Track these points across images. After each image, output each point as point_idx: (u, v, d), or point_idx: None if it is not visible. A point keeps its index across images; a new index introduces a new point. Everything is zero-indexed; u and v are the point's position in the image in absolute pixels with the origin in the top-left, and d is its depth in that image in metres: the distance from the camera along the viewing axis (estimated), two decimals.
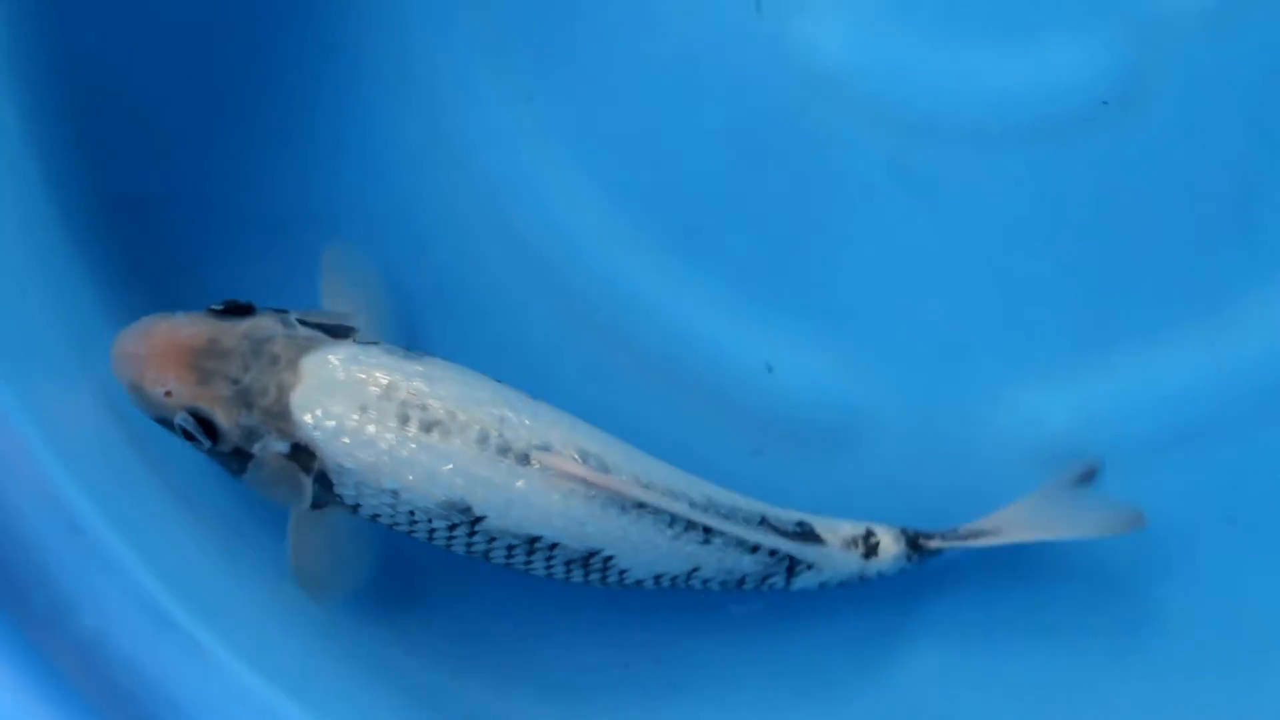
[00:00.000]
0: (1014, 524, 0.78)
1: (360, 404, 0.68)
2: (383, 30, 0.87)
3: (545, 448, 0.69)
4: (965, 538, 0.78)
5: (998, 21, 0.88)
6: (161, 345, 0.68)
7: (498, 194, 0.87)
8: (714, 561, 0.73)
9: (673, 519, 0.71)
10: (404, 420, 0.68)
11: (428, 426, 0.68)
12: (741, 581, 0.75)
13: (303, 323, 0.71)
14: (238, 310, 0.70)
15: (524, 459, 0.69)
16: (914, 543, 0.78)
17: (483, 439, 0.69)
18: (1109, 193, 0.88)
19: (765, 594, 0.77)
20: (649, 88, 0.88)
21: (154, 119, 0.84)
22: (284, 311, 0.71)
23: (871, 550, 0.77)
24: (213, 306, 0.70)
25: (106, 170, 0.81)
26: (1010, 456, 0.85)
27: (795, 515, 0.76)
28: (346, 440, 0.68)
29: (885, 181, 0.87)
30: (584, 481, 0.70)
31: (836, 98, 0.87)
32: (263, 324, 0.70)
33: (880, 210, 0.87)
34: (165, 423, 0.69)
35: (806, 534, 0.75)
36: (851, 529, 0.77)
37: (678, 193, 0.87)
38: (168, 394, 0.68)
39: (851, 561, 0.76)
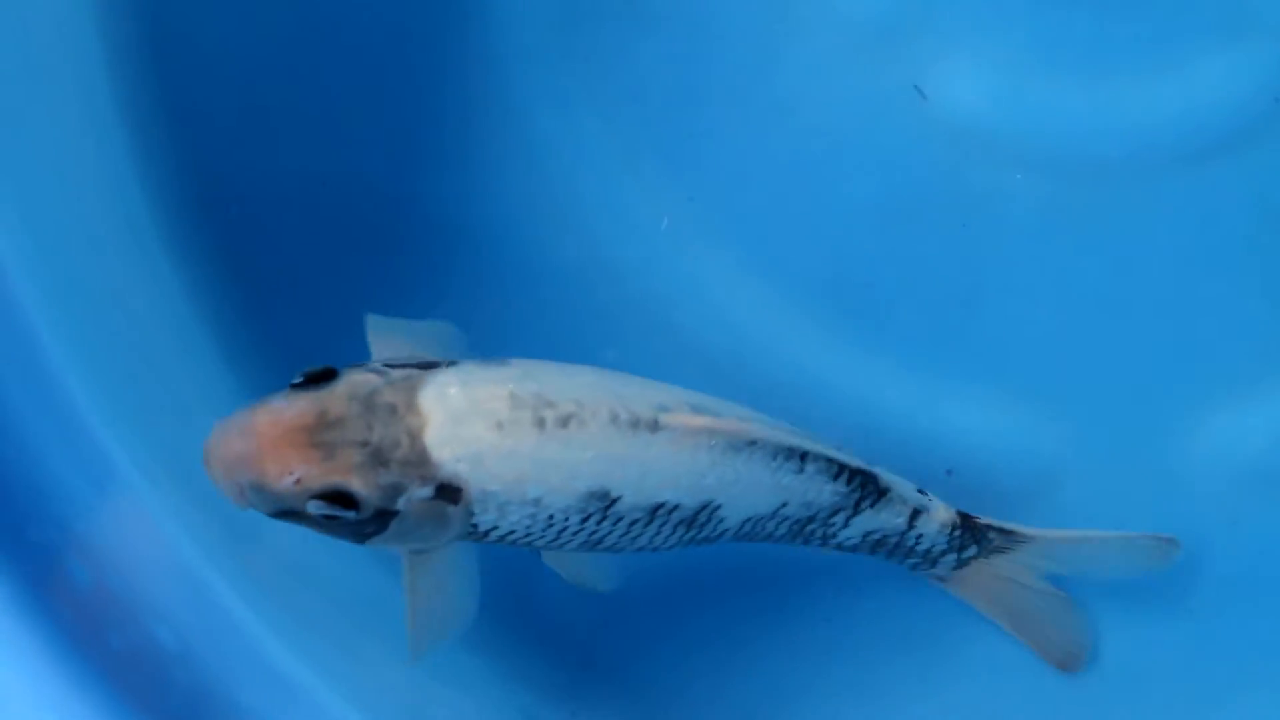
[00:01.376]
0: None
1: (496, 421, 0.65)
2: (515, 135, 0.87)
3: (665, 408, 0.68)
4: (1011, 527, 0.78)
5: (1140, 49, 0.86)
6: (272, 433, 0.63)
7: (653, 289, 0.86)
8: (800, 493, 0.72)
9: (776, 451, 0.70)
10: (540, 424, 0.65)
11: (564, 421, 0.66)
12: (811, 520, 0.73)
13: (391, 366, 0.67)
14: (322, 377, 0.66)
15: (654, 425, 0.67)
16: (964, 517, 0.78)
17: (614, 418, 0.67)
18: (1273, 201, 0.86)
19: (815, 544, 0.75)
20: (793, 168, 0.87)
21: (266, 193, 0.83)
22: (365, 363, 0.67)
23: (920, 511, 0.76)
24: (294, 382, 0.65)
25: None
26: (1215, 487, 0.83)
27: (859, 458, 0.75)
28: (490, 462, 0.65)
29: (1048, 226, 0.86)
30: (709, 431, 0.68)
31: (988, 149, 0.86)
32: (358, 380, 0.65)
33: (1047, 256, 0.86)
34: (293, 515, 0.65)
35: (871, 470, 0.75)
36: (907, 487, 0.76)
37: (836, 270, 0.86)
38: (297, 482, 0.64)
39: (909, 502, 0.76)
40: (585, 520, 0.68)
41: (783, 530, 0.73)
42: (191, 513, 0.69)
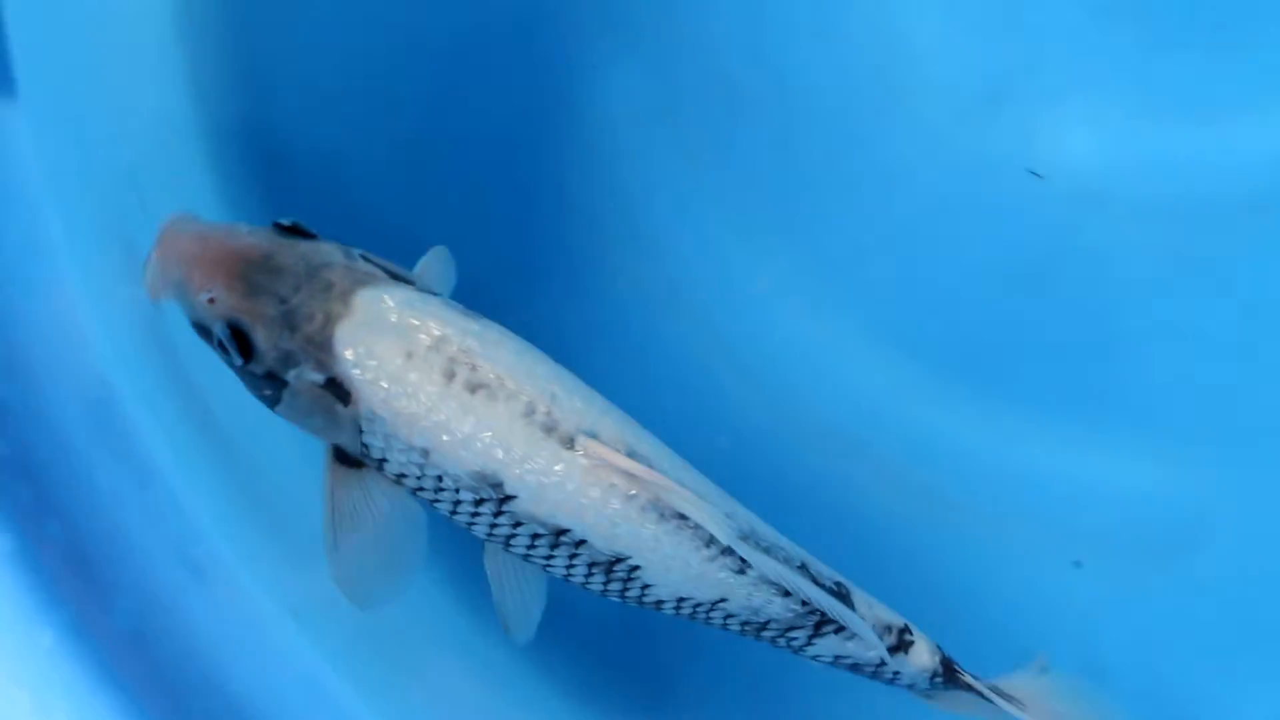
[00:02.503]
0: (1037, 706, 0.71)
1: (407, 350, 0.63)
2: (624, 224, 0.87)
3: (593, 435, 0.63)
4: (994, 691, 0.71)
5: (1252, 86, 0.85)
6: (215, 249, 0.64)
7: (771, 365, 0.86)
8: (742, 596, 0.67)
9: (711, 540, 0.65)
10: (449, 376, 0.63)
11: (473, 388, 0.63)
12: (764, 626, 0.68)
13: (366, 259, 0.66)
14: (303, 233, 0.65)
15: (569, 442, 0.63)
16: (948, 666, 0.71)
17: (529, 412, 0.63)
18: None
19: (782, 649, 0.70)
20: (908, 236, 0.87)
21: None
22: (350, 247, 0.66)
23: (902, 647, 0.70)
24: (280, 222, 0.66)
25: None
26: None
27: (836, 576, 0.69)
28: (385, 385, 0.63)
29: (1173, 274, 0.85)
30: (627, 477, 0.63)
31: (1104, 203, 0.85)
32: (324, 250, 0.65)
33: (1175, 303, 0.85)
34: (202, 329, 0.65)
35: (843, 596, 0.69)
36: (890, 616, 0.70)
37: (960, 334, 0.85)
38: (211, 300, 0.64)
39: (877, 646, 0.69)
40: (479, 504, 0.65)
41: (737, 627, 0.69)
42: None
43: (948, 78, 0.87)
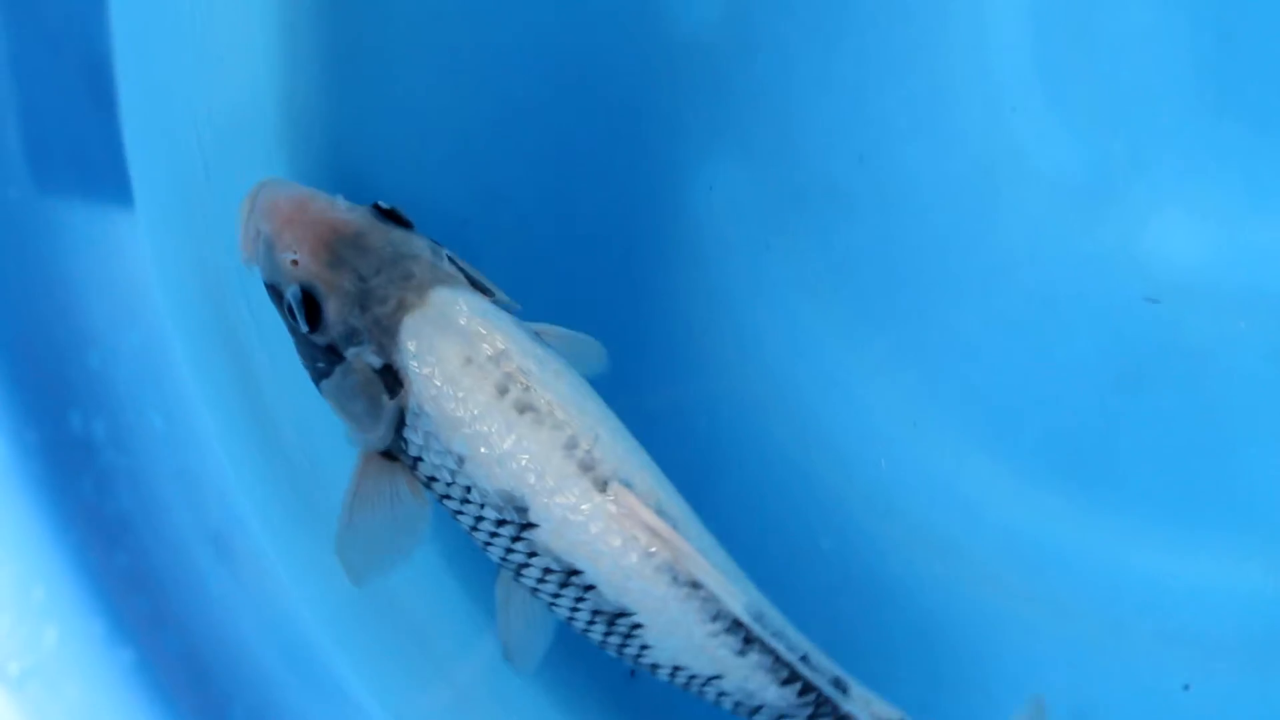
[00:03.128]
0: None
1: (467, 355, 0.63)
2: (726, 324, 0.87)
3: (628, 484, 0.64)
4: None
5: None
6: (310, 215, 0.65)
7: (874, 468, 0.86)
8: (739, 677, 0.66)
9: (719, 614, 0.65)
10: (502, 391, 0.63)
11: (522, 408, 0.63)
12: (757, 710, 0.68)
13: (452, 260, 0.67)
14: (400, 220, 0.67)
15: (602, 485, 0.63)
16: None
17: (570, 445, 0.63)
18: None
19: None
20: (1014, 333, 0.86)
21: None
22: (440, 245, 0.67)
23: None
24: (379, 204, 0.67)
25: None
26: None
27: (836, 670, 0.68)
28: (438, 383, 0.63)
29: (1274, 369, 0.84)
30: (650, 533, 0.63)
31: (1210, 300, 0.85)
32: (414, 241, 0.66)
33: (1277, 399, 0.84)
34: (275, 291, 0.66)
35: (841, 688, 0.67)
36: (887, 710, 0.68)
37: (1068, 432, 0.85)
38: (294, 263, 0.65)
39: None
40: (500, 525, 0.65)
41: (729, 706, 0.68)
42: None
43: (1052, 172, 0.86)
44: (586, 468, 0.64)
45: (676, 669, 0.67)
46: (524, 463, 0.63)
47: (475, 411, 0.63)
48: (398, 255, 0.65)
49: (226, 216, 0.77)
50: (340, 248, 0.65)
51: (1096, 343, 0.85)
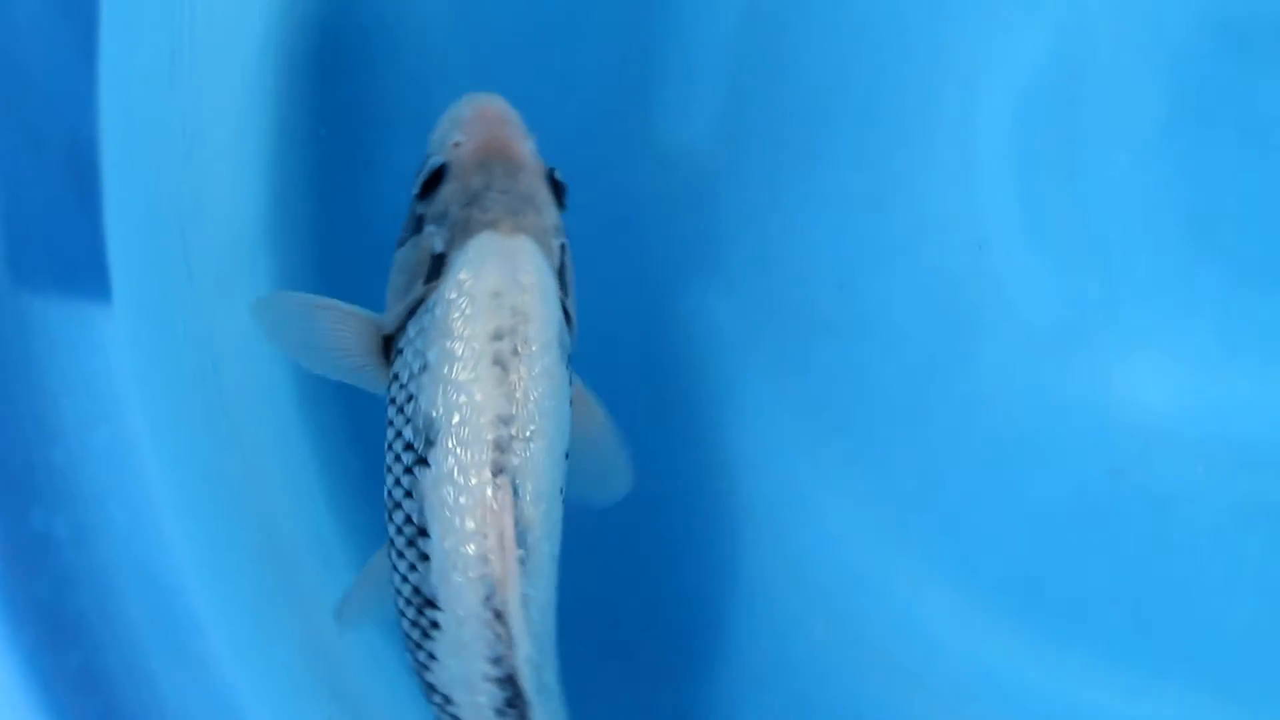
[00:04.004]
0: None
1: (499, 292, 0.65)
2: (704, 444, 0.88)
3: (517, 490, 0.64)
4: None
5: None
6: (501, 127, 0.69)
7: (838, 593, 0.86)
8: None
9: (502, 659, 0.65)
10: (497, 338, 0.64)
11: (498, 363, 0.64)
12: None
13: (562, 251, 0.68)
14: (558, 194, 0.69)
15: (498, 470, 0.64)
16: None
17: (506, 421, 0.64)
18: None
19: None
20: (979, 469, 0.87)
21: None
22: (562, 231, 0.69)
23: None
24: (553, 171, 0.69)
25: None
26: None
27: None
28: (460, 293, 0.65)
29: (1241, 521, 0.84)
30: (499, 542, 0.63)
31: (1175, 446, 0.85)
32: (551, 210, 0.68)
33: (1243, 551, 0.84)
34: (425, 159, 0.69)
35: None
36: None
37: (1027, 570, 0.85)
38: (456, 145, 0.68)
39: None
40: (405, 451, 0.65)
41: None
42: None
43: (1028, 310, 0.87)
44: (500, 448, 0.64)
45: (445, 699, 0.67)
46: (460, 401, 0.64)
47: (465, 334, 0.64)
48: (530, 199, 0.67)
49: (208, 316, 0.78)
50: (498, 159, 0.68)
51: (1062, 483, 0.86)
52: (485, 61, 0.87)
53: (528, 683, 0.65)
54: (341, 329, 0.69)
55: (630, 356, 0.87)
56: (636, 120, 0.88)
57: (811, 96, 0.87)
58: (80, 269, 0.72)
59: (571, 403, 0.68)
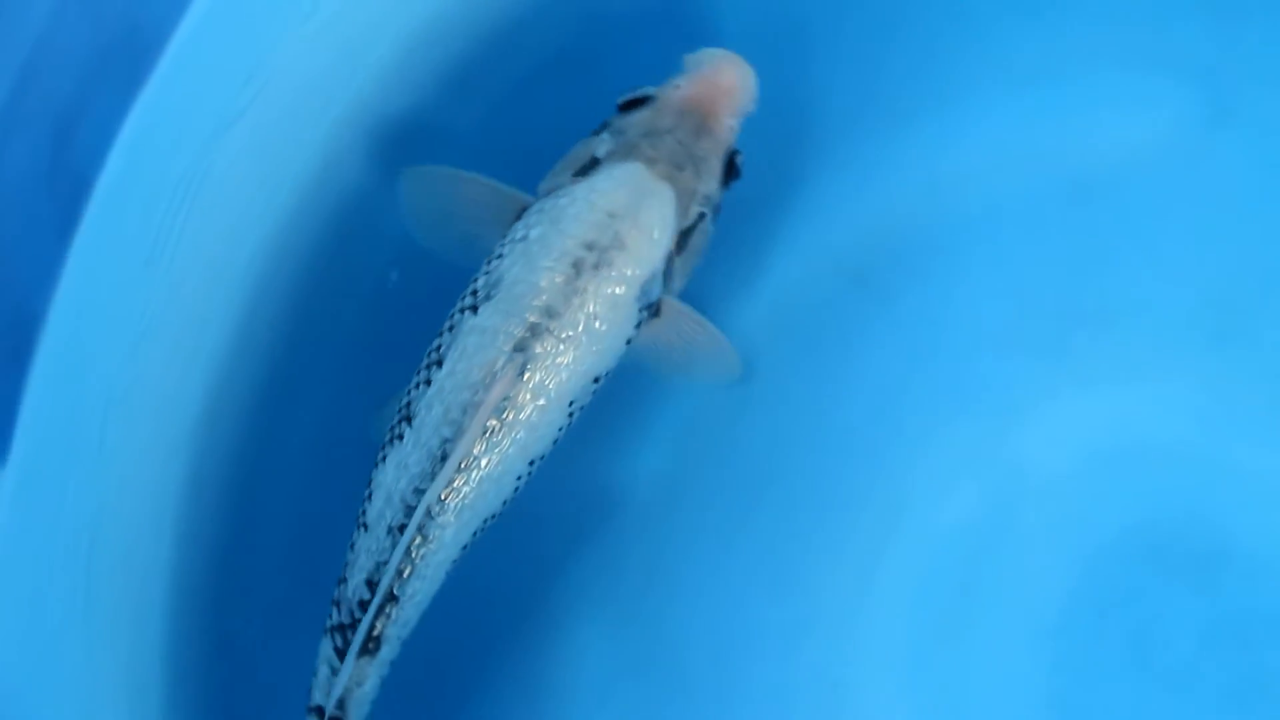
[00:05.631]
0: None
1: (598, 233, 0.73)
2: None
3: (494, 423, 0.72)
4: None
5: None
6: (721, 89, 0.78)
7: None
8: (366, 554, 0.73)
9: (414, 490, 0.72)
10: (575, 271, 0.72)
11: (577, 270, 0.72)
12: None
13: (704, 218, 0.77)
14: (732, 166, 0.78)
15: (520, 367, 0.72)
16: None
17: (520, 348, 0.72)
18: None
19: None
20: None
21: None
22: (712, 205, 0.77)
23: None
24: (735, 153, 0.78)
25: None
26: None
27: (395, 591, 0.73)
28: (571, 211, 0.73)
29: None
30: (477, 416, 0.71)
31: None
32: (711, 183, 0.77)
33: None
34: (641, 94, 0.78)
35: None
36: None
37: None
38: (676, 87, 0.78)
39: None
40: (471, 296, 0.73)
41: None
42: None
43: None
44: (533, 332, 0.72)
45: (369, 497, 0.74)
46: (527, 277, 0.72)
47: (566, 229, 0.73)
48: (697, 161, 0.76)
49: (100, 498, 0.83)
50: (696, 116, 0.76)
51: None
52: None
53: (421, 521, 0.72)
54: (484, 198, 0.78)
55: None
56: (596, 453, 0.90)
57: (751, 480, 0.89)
58: None
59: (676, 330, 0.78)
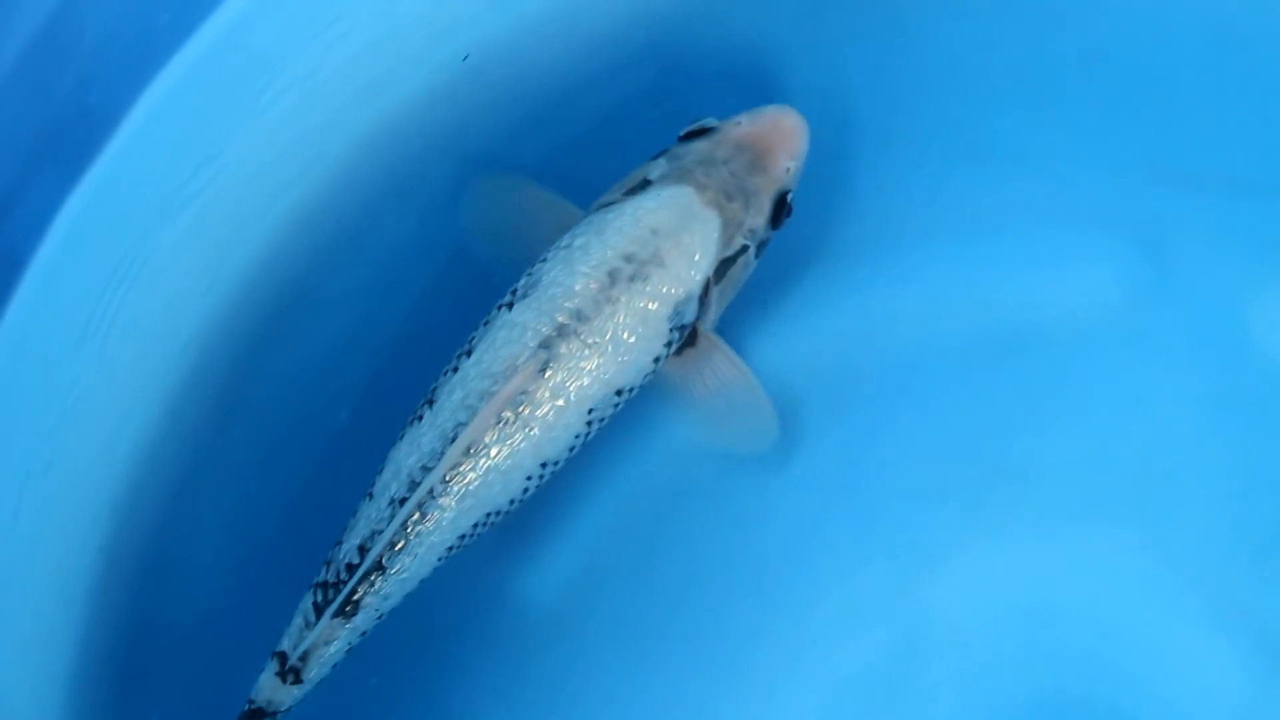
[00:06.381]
0: None
1: (639, 247, 0.75)
2: None
3: (508, 415, 0.74)
4: None
5: None
6: (781, 131, 0.80)
7: None
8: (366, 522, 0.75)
9: (420, 468, 0.74)
10: (610, 280, 0.75)
11: (612, 281, 0.75)
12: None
13: (747, 251, 0.79)
14: (782, 204, 0.80)
15: (542, 365, 0.74)
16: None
17: (545, 346, 0.74)
18: None
19: None
20: None
21: None
22: (757, 239, 0.80)
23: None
24: (789, 196, 0.80)
25: None
26: None
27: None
28: (616, 223, 0.75)
29: None
30: (491, 404, 0.74)
31: None
32: (761, 212, 0.79)
33: None
34: (702, 124, 0.80)
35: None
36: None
37: None
38: (737, 124, 0.80)
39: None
40: (512, 292, 0.76)
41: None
42: None
43: None
44: (561, 332, 0.74)
45: (379, 471, 0.76)
46: (564, 280, 0.75)
47: (609, 239, 0.75)
48: (748, 195, 0.78)
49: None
50: (753, 153, 0.79)
51: None
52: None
53: (422, 498, 0.74)
54: (546, 209, 0.81)
55: None
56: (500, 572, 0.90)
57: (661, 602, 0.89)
58: None
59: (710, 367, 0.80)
